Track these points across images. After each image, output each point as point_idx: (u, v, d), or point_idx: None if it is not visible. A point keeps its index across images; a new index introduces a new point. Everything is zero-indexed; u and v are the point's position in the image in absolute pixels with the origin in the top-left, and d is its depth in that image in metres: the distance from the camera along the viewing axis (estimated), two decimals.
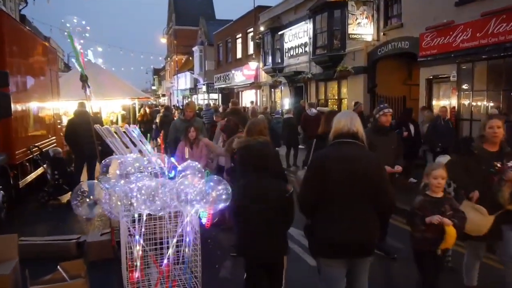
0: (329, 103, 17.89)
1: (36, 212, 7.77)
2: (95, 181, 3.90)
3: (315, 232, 3.14)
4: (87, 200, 3.56)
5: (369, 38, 14.52)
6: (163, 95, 62.52)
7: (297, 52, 20.17)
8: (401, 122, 9.56)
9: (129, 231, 3.69)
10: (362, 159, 3.05)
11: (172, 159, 5.23)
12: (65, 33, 5.41)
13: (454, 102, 11.12)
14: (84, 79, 5.77)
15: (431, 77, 12.14)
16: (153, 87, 79.16)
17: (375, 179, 3.01)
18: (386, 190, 3.06)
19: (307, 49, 18.97)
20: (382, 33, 14.23)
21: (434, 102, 12.35)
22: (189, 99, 37.12)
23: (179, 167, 4.61)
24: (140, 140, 4.66)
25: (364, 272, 3.20)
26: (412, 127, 9.38)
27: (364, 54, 15.14)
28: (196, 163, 4.34)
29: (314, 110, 12.64)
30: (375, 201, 3.02)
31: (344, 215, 2.99)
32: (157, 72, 72.47)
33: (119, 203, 3.50)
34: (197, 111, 17.95)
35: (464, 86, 10.90)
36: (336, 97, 17.54)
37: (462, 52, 10.63)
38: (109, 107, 17.50)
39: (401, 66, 15.45)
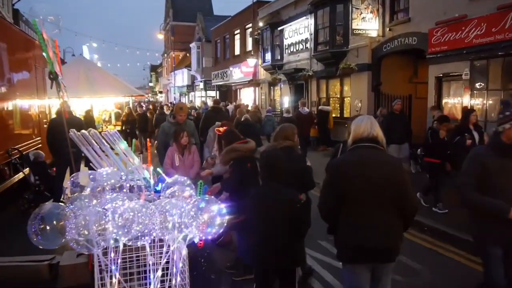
0: (330, 101, 17.20)
1: (14, 222, 7.05)
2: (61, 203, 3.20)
3: (339, 238, 3.12)
4: (49, 226, 2.86)
5: (374, 33, 13.82)
6: (160, 92, 61.76)
7: (297, 48, 19.46)
8: (462, 127, 7.59)
9: (101, 265, 2.99)
10: (385, 163, 3.01)
11: (159, 170, 4.57)
12: (37, 22, 4.70)
13: (466, 101, 10.44)
14: (53, 77, 5.04)
15: (441, 75, 11.45)
16: (150, 84, 78.41)
17: (399, 184, 2.96)
18: (409, 194, 3.03)
19: (308, 45, 18.27)
20: (387, 29, 13.53)
21: (444, 102, 11.66)
22: (180, 100, 36.43)
23: (168, 180, 3.95)
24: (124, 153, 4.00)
25: (388, 277, 3.16)
26: (476, 134, 7.32)
27: (369, 50, 14.45)
28: (185, 178, 3.66)
29: (306, 109, 12.41)
30: (398, 206, 2.97)
31: (368, 221, 2.94)
32: (154, 68, 71.69)
33: (86, 232, 2.79)
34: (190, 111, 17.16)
35: (478, 85, 10.22)
36: (338, 96, 16.84)
37: (476, 48, 9.94)
38: (102, 105, 16.72)
39: (407, 63, 14.79)
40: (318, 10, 16.59)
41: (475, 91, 10.30)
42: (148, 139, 5.35)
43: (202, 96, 37.79)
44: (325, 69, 16.87)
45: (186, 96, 42.97)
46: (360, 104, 14.91)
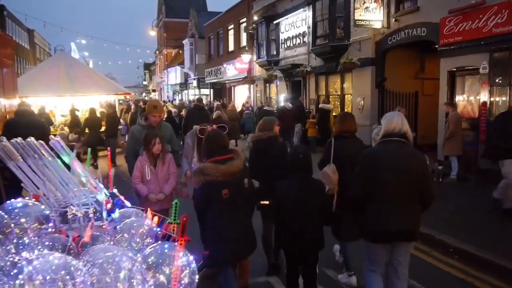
0: (330, 99, 16.07)
1: None
2: None
3: (365, 222, 3.47)
4: None
5: (378, 25, 12.70)
6: (154, 91, 60.47)
7: (294, 43, 18.32)
8: None
9: None
10: (412, 157, 3.37)
11: (115, 191, 3.48)
12: None
13: (484, 97, 9.33)
14: None
15: (454, 69, 10.34)
16: (144, 82, 77.12)
17: (423, 175, 3.36)
18: (430, 186, 3.42)
19: (305, 39, 17.13)
20: (393, 19, 12.42)
21: (457, 98, 10.55)
22: (175, 99, 35.19)
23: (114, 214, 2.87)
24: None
25: (407, 257, 3.58)
26: None
27: (372, 43, 13.33)
28: (140, 213, 2.57)
29: (290, 105, 13.44)
30: (419, 194, 3.35)
31: (394, 207, 3.31)
32: (147, 66, 70.40)
33: None
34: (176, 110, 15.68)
35: (498, 80, 9.13)
36: (339, 93, 15.70)
37: (496, 38, 8.84)
38: (85, 104, 15.47)
39: (413, 57, 13.74)
40: (316, 1, 15.49)
41: (495, 86, 9.20)
42: (108, 148, 4.18)
43: (195, 95, 36.64)
44: (325, 64, 15.74)
45: (180, 95, 41.75)
46: (362, 102, 13.81)
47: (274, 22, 19.63)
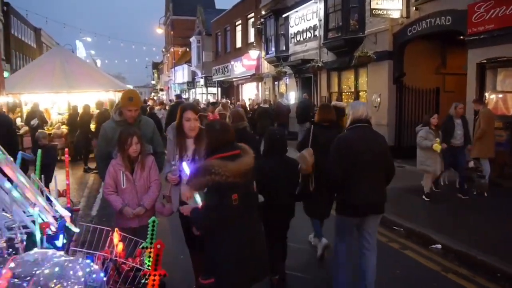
0: (343, 96, 15.01)
1: None
2: None
3: (342, 198, 3.89)
4: None
5: (396, 14, 11.61)
6: (161, 90, 59.78)
7: (304, 37, 17.29)
8: None
9: None
10: (376, 139, 3.88)
11: (59, 208, 2.59)
12: None
13: None
14: None
15: (484, 61, 9.23)
16: (153, 82, 76.57)
17: (386, 154, 3.87)
18: (392, 162, 3.95)
19: (316, 33, 16.10)
20: (413, 8, 11.33)
21: (488, 94, 9.44)
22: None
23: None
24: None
25: (376, 228, 4.05)
26: None
27: (389, 35, 12.25)
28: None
29: (286, 101, 14.44)
30: (385, 171, 3.84)
31: (367, 183, 3.73)
32: (156, 66, 69.79)
33: None
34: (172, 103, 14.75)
35: None
36: (353, 90, 14.61)
37: None
38: (82, 101, 14.54)
39: (434, 50, 12.67)
40: None
41: None
42: (66, 149, 3.22)
43: (203, 93, 35.76)
44: (337, 59, 14.68)
45: (187, 93, 40.92)
46: (379, 99, 12.74)
47: (283, 15, 18.61)
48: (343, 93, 15.21)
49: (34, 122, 11.54)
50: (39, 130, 8.02)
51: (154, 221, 2.71)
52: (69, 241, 2.56)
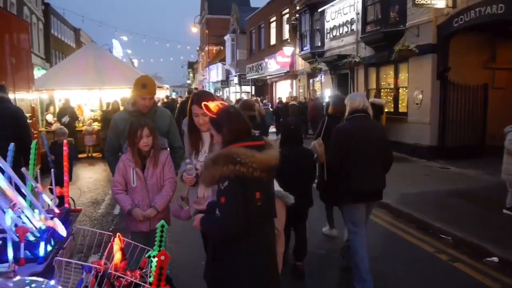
0: (382, 93, 14.22)
1: None
2: None
3: (345, 186, 3.92)
4: None
5: (441, 4, 10.77)
6: (196, 89, 60.17)
7: (341, 32, 16.58)
8: None
9: None
10: (374, 128, 4.06)
11: (36, 212, 2.11)
12: None
13: None
14: None
15: None
16: (188, 81, 77.34)
17: (385, 142, 4.03)
18: (390, 150, 4.09)
19: (354, 27, 15.37)
20: None
21: None
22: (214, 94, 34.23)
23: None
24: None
25: (370, 214, 4.29)
26: None
27: (433, 27, 11.40)
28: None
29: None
30: (383, 159, 3.96)
31: (367, 171, 3.86)
32: (191, 65, 70.44)
33: None
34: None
35: None
36: (392, 86, 13.78)
37: None
38: (114, 98, 14.47)
39: (482, 43, 11.71)
40: None
41: None
42: (65, 141, 2.83)
43: (236, 92, 35.52)
44: (376, 54, 13.91)
45: (221, 92, 40.82)
46: (421, 96, 11.91)
47: (319, 10, 17.96)
48: (382, 90, 14.41)
49: (65, 119, 11.50)
50: (60, 126, 7.83)
51: (163, 226, 2.28)
52: (56, 249, 2.15)
